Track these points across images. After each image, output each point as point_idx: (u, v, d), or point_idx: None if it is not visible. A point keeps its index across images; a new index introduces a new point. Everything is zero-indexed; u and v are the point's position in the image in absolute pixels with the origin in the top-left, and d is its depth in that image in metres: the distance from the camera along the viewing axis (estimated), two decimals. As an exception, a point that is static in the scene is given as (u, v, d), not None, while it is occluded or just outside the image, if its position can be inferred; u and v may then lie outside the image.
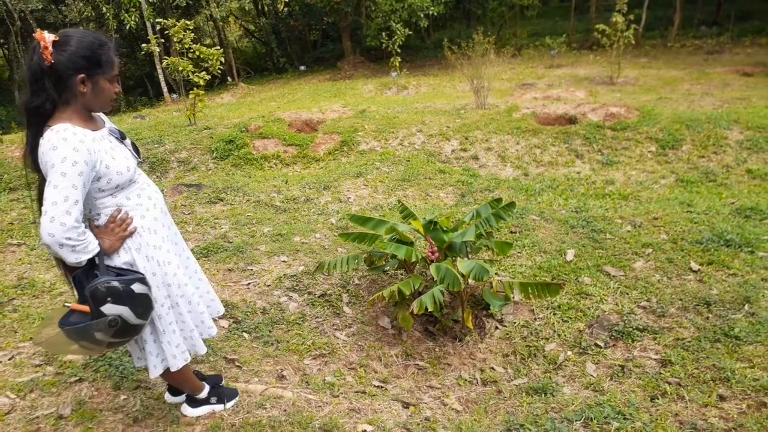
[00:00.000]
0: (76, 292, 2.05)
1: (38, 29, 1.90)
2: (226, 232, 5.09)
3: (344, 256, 3.80)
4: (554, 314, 3.67)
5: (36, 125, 1.90)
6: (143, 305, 2.03)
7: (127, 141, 2.18)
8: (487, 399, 3.05)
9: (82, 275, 1.99)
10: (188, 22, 9.64)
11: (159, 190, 2.28)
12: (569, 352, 3.33)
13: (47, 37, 1.84)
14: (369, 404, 2.91)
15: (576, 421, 2.65)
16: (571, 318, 3.62)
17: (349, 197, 6.27)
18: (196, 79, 9.38)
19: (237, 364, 3.14)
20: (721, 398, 2.72)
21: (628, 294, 3.76)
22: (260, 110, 11.67)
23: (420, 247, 4.24)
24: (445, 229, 3.71)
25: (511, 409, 2.92)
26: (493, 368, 3.34)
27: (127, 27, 16.80)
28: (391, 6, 17.00)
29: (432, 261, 3.58)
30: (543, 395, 2.98)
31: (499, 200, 3.85)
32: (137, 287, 2.00)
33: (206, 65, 9.80)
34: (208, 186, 6.54)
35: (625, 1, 12.20)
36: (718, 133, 7.60)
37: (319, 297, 3.96)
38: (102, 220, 2.06)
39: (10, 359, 3.05)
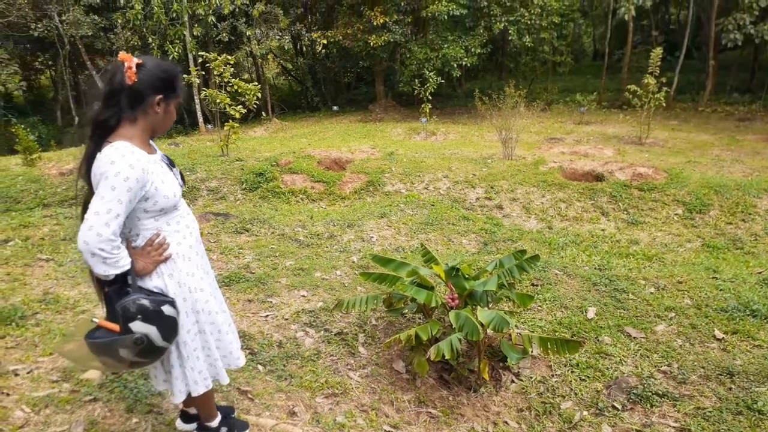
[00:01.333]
0: (105, 309, 2.09)
1: (121, 52, 2.07)
2: (249, 263, 5.15)
3: (363, 295, 3.81)
4: (572, 372, 3.61)
5: (98, 137, 2.01)
6: (170, 328, 2.07)
7: (176, 169, 2.30)
8: (499, 454, 2.99)
9: (113, 293, 2.03)
10: (229, 57, 9.99)
11: (195, 219, 2.38)
12: (585, 412, 3.26)
13: (132, 62, 1.99)
14: (378, 449, 2.87)
15: (589, 484, 2.58)
16: (589, 377, 3.55)
17: (372, 237, 6.31)
18: (232, 112, 9.66)
19: (250, 396, 3.14)
20: (743, 474, 2.63)
21: (648, 357, 3.69)
22: (291, 146, 11.90)
23: (440, 292, 4.23)
24: (466, 276, 3.71)
25: (523, 466, 2.86)
26: (506, 422, 3.28)
27: (171, 58, 17.44)
28: (425, 55, 17.41)
29: (452, 308, 3.57)
30: (556, 455, 2.92)
31: (523, 252, 3.85)
32: (167, 309, 2.06)
33: (243, 99, 10.09)
34: (235, 216, 6.65)
35: (657, 64, 12.32)
36: (747, 200, 7.52)
37: (335, 335, 3.96)
38: (140, 241, 2.12)
39: (28, 373, 3.09)
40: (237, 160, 9.37)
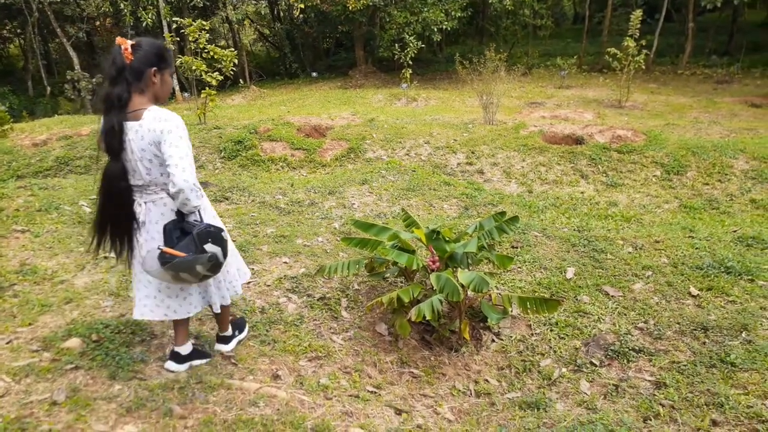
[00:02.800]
0: (164, 240, 2.50)
1: (118, 37, 2.48)
2: (230, 231, 5.11)
3: (345, 260, 3.82)
4: (551, 330, 3.68)
5: (117, 110, 2.39)
6: (226, 248, 2.56)
7: None
8: (480, 410, 3.06)
9: (172, 227, 2.50)
10: (204, 23, 9.76)
11: None
12: (564, 369, 3.34)
13: (127, 43, 2.42)
14: (362, 408, 2.92)
15: (567, 437, 2.66)
16: (567, 335, 3.62)
17: (354, 203, 6.30)
18: (208, 79, 9.47)
19: (233, 361, 3.15)
20: (714, 423, 2.72)
21: (625, 315, 3.76)
22: (270, 113, 11.74)
23: (421, 255, 4.25)
24: (447, 239, 3.73)
25: (503, 421, 2.93)
26: (487, 380, 3.34)
27: (144, 24, 16.95)
28: (405, 19, 17.14)
29: (432, 270, 3.60)
30: (536, 410, 2.99)
31: (502, 214, 3.87)
32: (224, 234, 2.59)
33: (219, 66, 9.89)
34: (215, 184, 6.58)
35: (637, 27, 12.30)
36: (724, 161, 7.62)
37: (318, 300, 3.97)
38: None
39: (7, 343, 3.06)
40: (215, 129, 9.22)
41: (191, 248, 2.44)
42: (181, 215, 2.52)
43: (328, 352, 3.45)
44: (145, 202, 2.58)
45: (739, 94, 14.23)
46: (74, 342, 3.04)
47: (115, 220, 2.58)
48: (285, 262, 4.50)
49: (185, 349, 2.96)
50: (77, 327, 3.19)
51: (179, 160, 2.34)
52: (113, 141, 2.40)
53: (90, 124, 10.55)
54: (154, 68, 2.47)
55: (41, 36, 20.83)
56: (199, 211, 2.54)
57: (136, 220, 2.60)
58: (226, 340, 3.21)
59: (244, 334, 3.37)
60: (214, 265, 2.51)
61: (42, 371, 2.79)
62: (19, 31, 21.84)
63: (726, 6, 18.11)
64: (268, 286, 4.08)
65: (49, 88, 18.96)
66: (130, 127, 2.40)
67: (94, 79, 17.09)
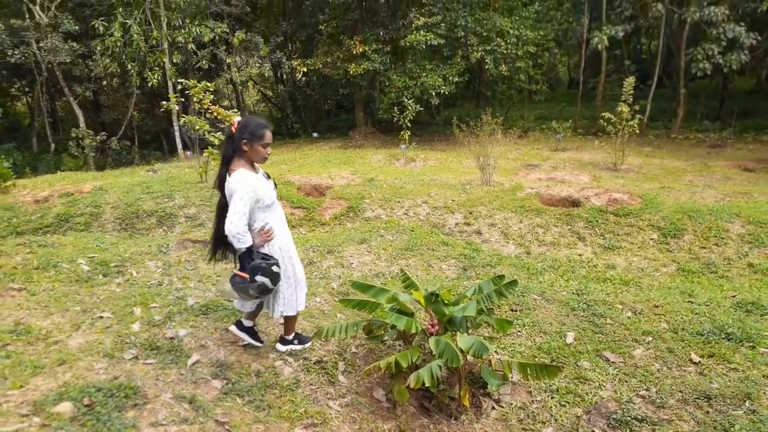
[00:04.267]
0: (238, 265, 3.58)
1: (232, 117, 3.48)
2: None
3: (343, 322, 3.79)
4: (552, 397, 3.61)
5: (223, 165, 3.53)
6: (275, 278, 3.48)
7: (271, 180, 3.67)
8: (480, 482, 2.96)
9: (245, 257, 3.50)
10: (209, 84, 10.02)
11: (282, 210, 3.80)
12: (566, 439, 3.26)
13: (235, 120, 3.50)
14: (358, 479, 2.82)
15: None
16: (568, 402, 3.55)
17: (352, 263, 6.30)
18: (211, 139, 9.64)
19: (227, 427, 3.08)
20: (722, 498, 2.63)
21: (627, 382, 3.71)
22: (271, 172, 11.83)
23: (420, 318, 4.22)
24: (446, 302, 3.71)
25: (505, 495, 2.83)
26: (487, 450, 3.25)
27: (150, 84, 17.41)
28: (404, 83, 17.64)
29: (432, 334, 3.56)
30: (538, 482, 2.90)
31: (501, 277, 3.87)
32: (275, 268, 3.48)
33: (222, 126, 10.09)
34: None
35: (630, 92, 12.64)
36: (720, 225, 7.68)
37: (314, 363, 3.92)
38: (256, 226, 3.54)
39: (-3, 406, 2.99)
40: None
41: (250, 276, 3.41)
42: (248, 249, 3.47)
43: (325, 418, 3.37)
44: None
45: (732, 158, 14.49)
46: (65, 406, 2.97)
47: (222, 238, 3.61)
48: (281, 324, 4.45)
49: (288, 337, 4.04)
50: (69, 390, 3.12)
51: (233, 215, 3.34)
52: (219, 184, 3.55)
53: (92, 181, 10.66)
54: (245, 140, 3.43)
55: (48, 94, 21.30)
56: (258, 249, 3.51)
57: None
58: (284, 342, 4.04)
59: (298, 347, 4.07)
60: (263, 291, 3.46)
61: (30, 437, 2.72)
62: (27, 89, 22.37)
63: (716, 73, 18.71)
64: (265, 349, 4.02)
65: (53, 145, 19.25)
66: (228, 178, 3.45)
67: (98, 137, 17.36)
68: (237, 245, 3.42)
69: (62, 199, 9.00)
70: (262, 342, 4.07)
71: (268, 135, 3.49)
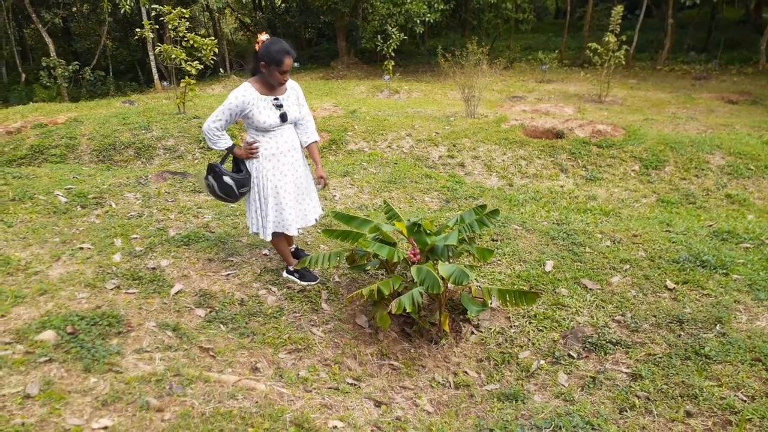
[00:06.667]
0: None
1: (261, 33, 3.62)
2: (209, 222, 5.06)
3: (326, 252, 3.80)
4: (530, 323, 3.71)
5: (249, 76, 3.68)
6: (226, 190, 3.67)
7: (282, 111, 3.61)
8: (459, 402, 3.07)
9: (224, 157, 3.88)
10: (184, 11, 9.58)
11: (296, 146, 3.86)
12: (542, 361, 3.37)
13: (261, 37, 3.50)
14: (341, 401, 2.91)
15: (545, 429, 2.68)
16: (546, 327, 3.65)
17: (335, 195, 6.27)
18: (188, 68, 9.32)
19: (211, 353, 3.12)
20: (688, 414, 2.76)
21: (603, 307, 3.81)
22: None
23: (402, 248, 4.25)
24: (428, 232, 3.73)
25: (482, 413, 2.95)
26: (466, 372, 3.36)
27: (122, 11, 16.62)
28: (388, 10, 17.05)
29: (413, 263, 3.59)
30: (514, 402, 3.01)
31: (483, 207, 3.88)
32: (227, 179, 3.64)
33: (199, 55, 9.74)
34: (193, 175, 6.49)
35: (618, 22, 12.38)
36: (701, 157, 7.73)
37: (298, 292, 3.95)
38: (247, 140, 3.69)
39: (-21, 335, 2.99)
40: (194, 118, 9.11)
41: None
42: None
43: (308, 344, 3.44)
44: None
45: (716, 90, 14.45)
46: (48, 334, 2.98)
47: None
48: (265, 254, 4.46)
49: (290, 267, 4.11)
50: (52, 319, 3.12)
51: (212, 113, 3.55)
52: None
53: (66, 113, 10.34)
54: (264, 62, 3.44)
55: (15, 21, 20.29)
56: (241, 159, 3.68)
57: None
58: (288, 271, 4.12)
59: (298, 281, 4.06)
60: (212, 192, 3.74)
61: (15, 364, 2.73)
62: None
63: (705, 2, 18.34)
64: (248, 278, 4.04)
65: (24, 75, 18.52)
66: None
67: (70, 67, 16.70)
68: (209, 144, 3.63)
69: (36, 130, 8.74)
70: (315, 278, 4.11)
71: (287, 62, 3.43)
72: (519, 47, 21.54)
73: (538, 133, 8.98)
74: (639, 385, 3.01)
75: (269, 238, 3.81)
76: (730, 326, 3.44)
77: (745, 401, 2.80)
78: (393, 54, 15.85)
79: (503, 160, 8.13)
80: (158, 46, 10.23)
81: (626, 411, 2.84)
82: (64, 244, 4.36)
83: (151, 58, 17.08)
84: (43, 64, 17.08)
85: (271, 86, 3.56)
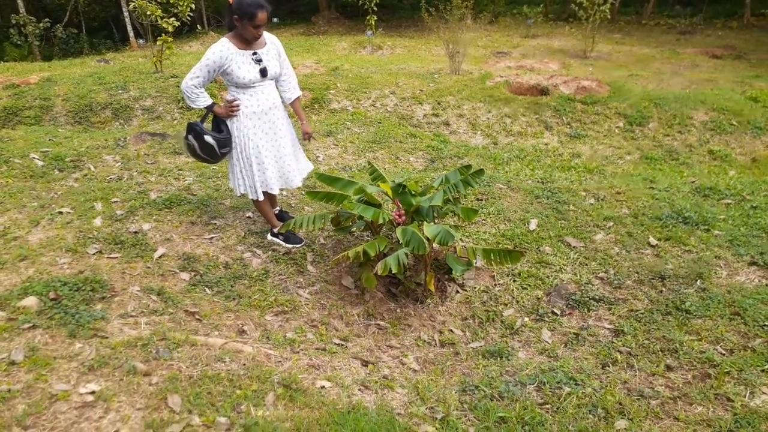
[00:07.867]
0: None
1: None
2: (190, 185, 4.99)
3: (311, 214, 3.77)
4: (514, 281, 3.74)
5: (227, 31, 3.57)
6: (207, 150, 3.61)
7: (262, 66, 3.53)
8: (444, 360, 3.12)
9: (217, 119, 3.66)
10: (158, -37, 9.20)
11: (277, 104, 3.80)
12: (526, 319, 3.42)
13: None
14: (328, 361, 2.94)
15: (529, 384, 2.73)
16: (530, 285, 3.69)
17: (318, 156, 6.20)
18: (164, 25, 9.01)
19: (197, 317, 3.12)
20: (669, 368, 2.83)
21: (586, 265, 3.85)
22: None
23: (387, 209, 4.23)
24: (413, 192, 3.71)
25: (467, 370, 3.00)
26: (451, 330, 3.40)
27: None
28: (370, -38, 16.53)
29: (398, 224, 3.58)
30: (498, 359, 3.06)
31: (468, 167, 3.86)
32: (208, 138, 3.57)
33: (175, 11, 9.40)
34: (173, 136, 6.36)
35: (604, -25, 12.16)
36: (684, 113, 7.74)
37: (283, 255, 3.94)
38: (228, 97, 3.61)
39: (-41, 303, 2.95)
40: (172, 77, 8.87)
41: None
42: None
43: (294, 306, 3.44)
44: None
45: (701, 45, 14.37)
46: (31, 300, 2.95)
47: None
48: (249, 217, 4.42)
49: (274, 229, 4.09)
50: (33, 285, 3.09)
51: (190, 71, 3.47)
52: None
53: (39, 72, 10.01)
54: (236, 16, 3.35)
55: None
56: (222, 117, 3.61)
57: None
58: (272, 233, 4.08)
59: (283, 244, 4.03)
60: (192, 152, 3.68)
61: (-3, 331, 2.70)
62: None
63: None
64: (232, 241, 4.01)
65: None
66: None
67: (41, 24, 16.07)
68: (188, 102, 3.58)
69: (8, 91, 8.46)
70: (300, 240, 4.08)
71: (261, 16, 3.32)
72: (503, 1, 21.13)
73: (522, 90, 8.90)
74: (621, 341, 3.07)
75: (261, 197, 3.79)
76: (710, 281, 3.50)
77: (723, 354, 2.87)
78: (375, 8, 15.42)
79: (488, 118, 8.07)
80: (132, 1, 9.85)
81: (608, 366, 2.90)
82: (42, 209, 4.28)
83: (126, 14, 16.48)
84: (13, 21, 16.41)
85: (249, 41, 3.48)
